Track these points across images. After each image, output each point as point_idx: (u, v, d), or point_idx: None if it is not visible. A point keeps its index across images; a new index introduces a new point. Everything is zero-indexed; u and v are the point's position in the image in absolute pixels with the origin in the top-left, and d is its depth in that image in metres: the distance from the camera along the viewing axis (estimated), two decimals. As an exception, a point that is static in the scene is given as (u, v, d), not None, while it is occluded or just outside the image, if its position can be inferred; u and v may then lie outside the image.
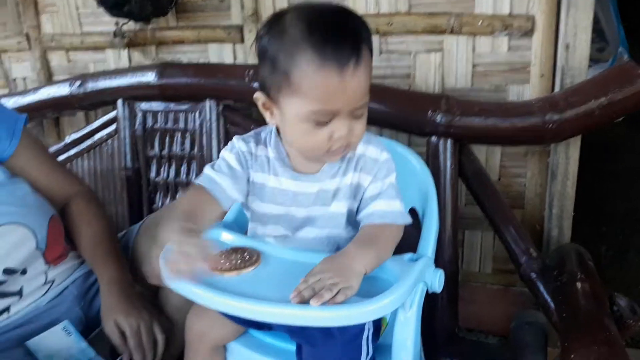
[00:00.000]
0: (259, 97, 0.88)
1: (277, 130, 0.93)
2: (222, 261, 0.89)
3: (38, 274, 1.15)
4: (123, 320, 1.09)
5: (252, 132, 0.97)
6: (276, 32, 0.82)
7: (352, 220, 0.95)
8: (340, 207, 0.93)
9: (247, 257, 0.91)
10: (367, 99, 0.84)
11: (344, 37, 0.79)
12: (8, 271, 1.09)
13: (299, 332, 0.91)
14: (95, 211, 1.25)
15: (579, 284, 1.09)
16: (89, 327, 1.20)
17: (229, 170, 0.92)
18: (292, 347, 0.97)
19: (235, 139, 0.96)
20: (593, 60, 2.44)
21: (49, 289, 1.17)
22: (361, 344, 0.90)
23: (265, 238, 0.97)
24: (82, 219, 1.23)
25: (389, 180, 0.93)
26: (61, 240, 1.20)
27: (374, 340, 0.92)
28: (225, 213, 1.06)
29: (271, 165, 0.93)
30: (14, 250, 1.09)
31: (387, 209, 0.90)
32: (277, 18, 0.83)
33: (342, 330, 0.87)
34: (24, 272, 1.12)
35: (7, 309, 1.11)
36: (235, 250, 0.93)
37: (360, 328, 0.89)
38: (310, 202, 0.93)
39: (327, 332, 0.86)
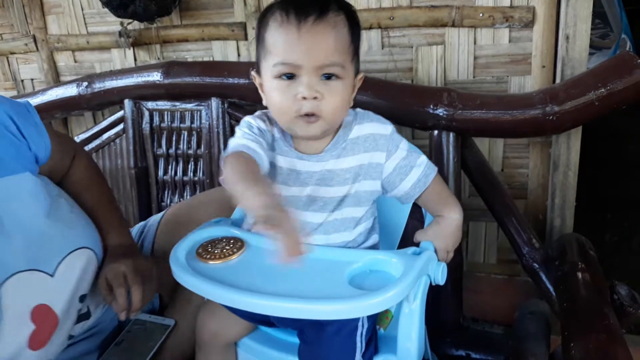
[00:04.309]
0: (254, 75, 0.95)
1: None
2: (210, 250, 0.94)
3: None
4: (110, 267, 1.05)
5: (260, 112, 0.98)
6: (262, 14, 0.90)
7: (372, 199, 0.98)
8: (364, 187, 0.95)
9: (232, 245, 0.95)
10: (337, 60, 0.86)
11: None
12: (82, 298, 1.06)
13: (298, 327, 0.94)
14: (93, 175, 1.21)
15: (579, 274, 1.10)
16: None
17: (253, 136, 0.90)
18: (297, 340, 0.99)
19: (248, 118, 0.95)
20: (596, 48, 2.45)
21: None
22: (356, 340, 0.91)
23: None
24: (85, 186, 1.17)
25: (402, 146, 0.95)
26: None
27: (368, 336, 0.93)
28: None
29: (277, 145, 0.94)
30: (84, 276, 1.05)
31: (421, 172, 0.94)
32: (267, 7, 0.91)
33: (338, 326, 0.89)
34: (91, 293, 1.09)
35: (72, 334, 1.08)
36: (221, 239, 0.97)
37: (355, 325, 0.91)
38: (315, 182, 0.93)
39: (322, 329, 0.88)
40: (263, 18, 0.89)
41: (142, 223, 1.38)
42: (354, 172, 0.93)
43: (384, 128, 0.95)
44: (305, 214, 0.93)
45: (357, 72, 0.93)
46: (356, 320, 0.91)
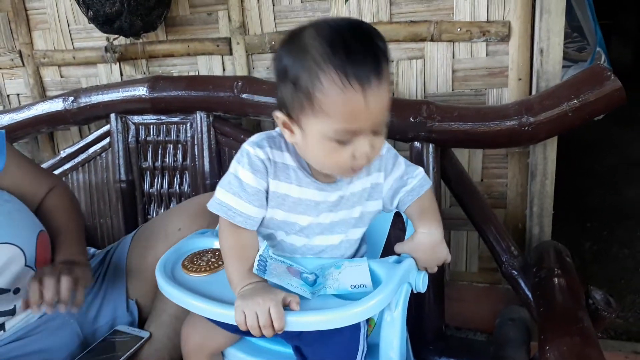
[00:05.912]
0: (278, 116, 0.87)
1: None
2: (195, 262, 0.96)
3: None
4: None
5: (263, 136, 0.93)
6: (296, 52, 0.81)
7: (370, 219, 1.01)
8: (368, 208, 0.98)
9: (217, 257, 0.97)
10: (388, 114, 0.84)
11: (365, 55, 0.79)
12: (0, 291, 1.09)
13: (295, 336, 0.94)
14: (66, 204, 1.29)
15: (555, 279, 1.14)
16: (86, 338, 1.22)
17: (250, 194, 0.89)
18: (285, 349, 1.01)
19: (248, 146, 0.90)
20: (573, 61, 2.50)
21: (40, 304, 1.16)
22: (359, 339, 0.93)
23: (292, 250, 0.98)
24: (53, 212, 1.26)
25: (399, 163, 0.98)
26: (50, 255, 1.20)
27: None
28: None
29: (293, 174, 0.91)
30: (3, 270, 1.09)
31: (417, 181, 0.98)
32: (295, 37, 0.82)
33: (339, 329, 0.91)
34: (16, 291, 1.12)
35: (1, 327, 1.12)
36: (206, 251, 0.99)
37: (357, 324, 0.92)
38: (328, 209, 0.94)
39: (323, 332, 0.88)
40: (310, 70, 0.79)
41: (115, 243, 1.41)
42: (360, 195, 0.96)
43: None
44: (315, 239, 0.96)
45: None
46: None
